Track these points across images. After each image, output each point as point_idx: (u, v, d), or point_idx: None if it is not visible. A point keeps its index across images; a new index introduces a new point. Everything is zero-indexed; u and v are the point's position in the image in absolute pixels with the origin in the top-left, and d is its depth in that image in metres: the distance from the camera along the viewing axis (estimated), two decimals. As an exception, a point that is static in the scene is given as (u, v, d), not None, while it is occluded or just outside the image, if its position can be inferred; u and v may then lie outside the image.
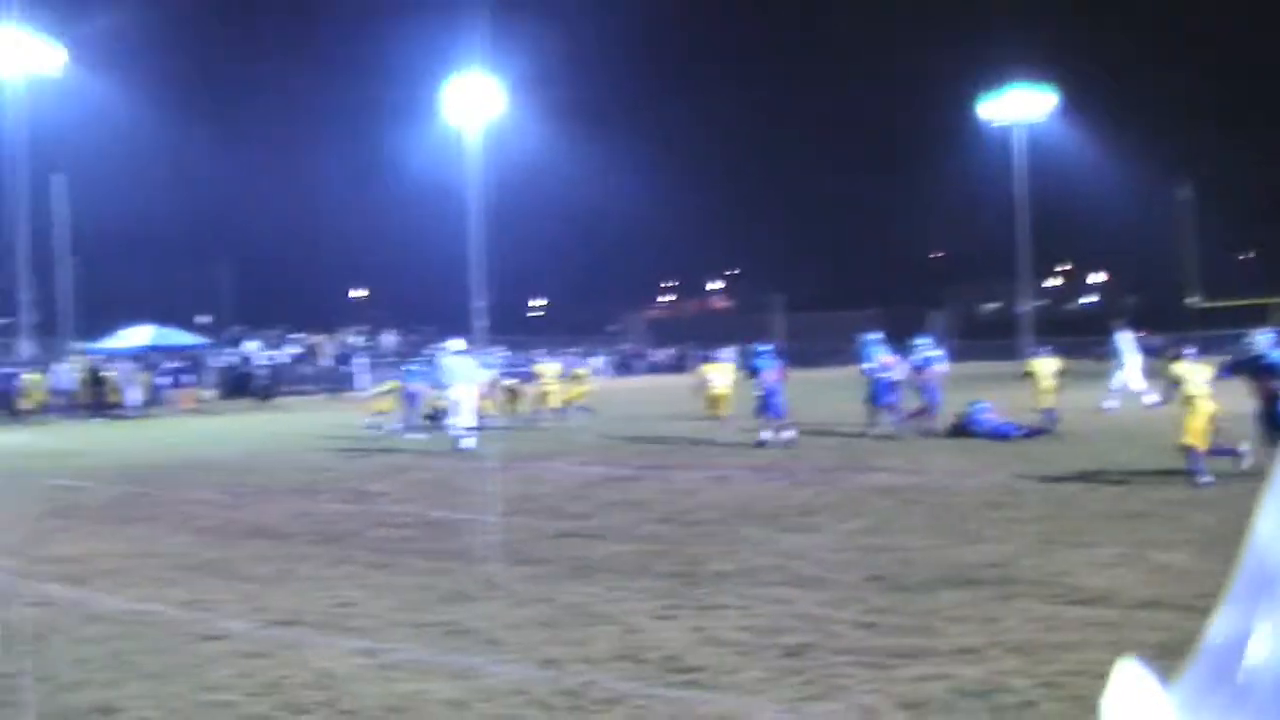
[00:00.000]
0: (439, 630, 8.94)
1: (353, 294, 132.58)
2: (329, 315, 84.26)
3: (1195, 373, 16.45)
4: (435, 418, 30.13)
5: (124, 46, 74.34)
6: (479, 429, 26.88)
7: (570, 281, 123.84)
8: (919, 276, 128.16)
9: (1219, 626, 1.67)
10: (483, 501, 16.66)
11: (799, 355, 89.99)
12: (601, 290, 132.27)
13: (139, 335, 54.72)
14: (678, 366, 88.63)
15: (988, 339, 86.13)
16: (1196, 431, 16.00)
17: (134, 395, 47.30)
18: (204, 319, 78.48)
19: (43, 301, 60.53)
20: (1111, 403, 29.83)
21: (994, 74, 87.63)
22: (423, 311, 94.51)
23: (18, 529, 15.31)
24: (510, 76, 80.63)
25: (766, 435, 24.00)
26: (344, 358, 63.91)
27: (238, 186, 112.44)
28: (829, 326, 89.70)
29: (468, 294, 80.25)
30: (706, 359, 31.16)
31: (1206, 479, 15.46)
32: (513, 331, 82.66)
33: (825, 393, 28.93)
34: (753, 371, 25.31)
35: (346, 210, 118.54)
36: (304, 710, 7.08)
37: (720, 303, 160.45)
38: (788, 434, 24.19)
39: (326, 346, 64.72)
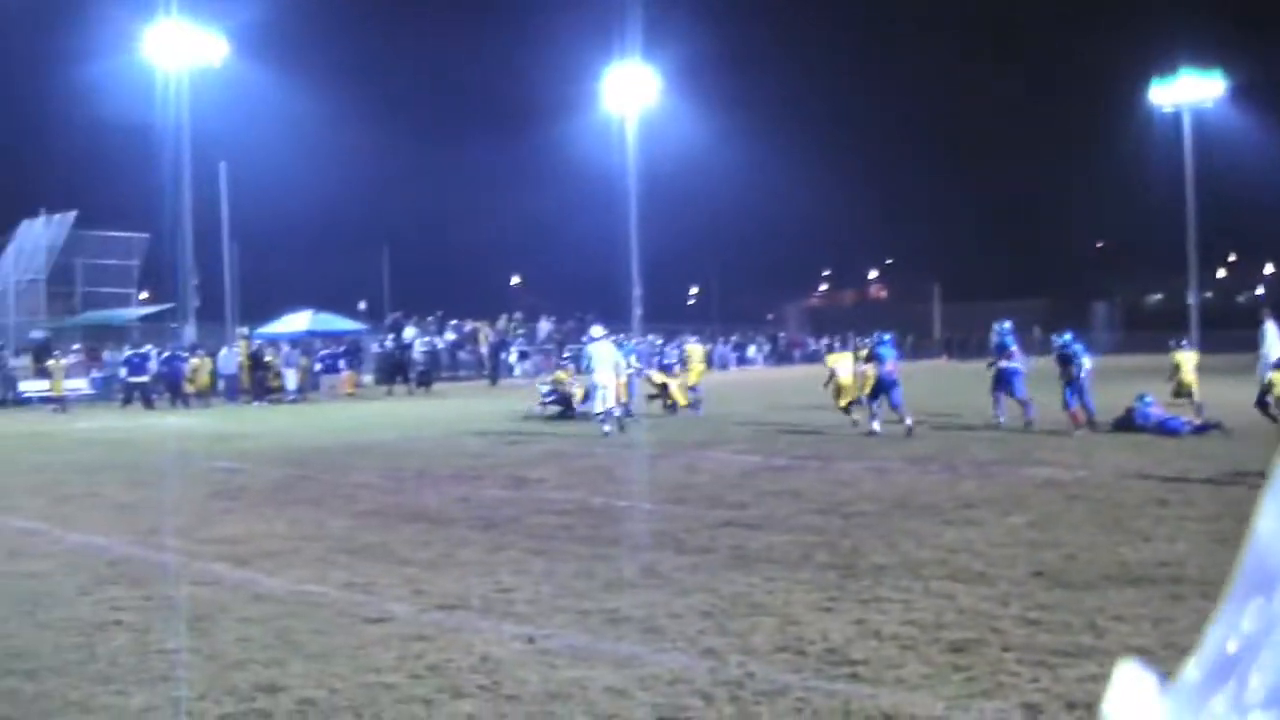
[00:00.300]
0: (599, 617, 8.97)
1: (512, 281, 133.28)
2: (486, 302, 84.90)
3: None
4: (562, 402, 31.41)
5: (284, 37, 75.79)
6: (627, 415, 27.70)
7: (727, 270, 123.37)
8: (1082, 266, 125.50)
9: (1218, 627, 1.64)
10: (641, 489, 16.75)
11: (957, 346, 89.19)
12: (759, 279, 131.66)
13: (299, 320, 55.65)
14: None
15: (1153, 331, 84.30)
16: None
17: (293, 380, 48.03)
18: (363, 305, 79.63)
19: (206, 286, 61.87)
20: None
21: (1163, 58, 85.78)
22: (579, 299, 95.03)
23: (185, 510, 15.67)
24: (668, 66, 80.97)
25: (876, 426, 24.51)
26: (501, 344, 64.40)
27: (397, 174, 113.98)
28: (988, 316, 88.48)
29: (625, 281, 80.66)
30: (830, 349, 31.59)
31: None
32: (669, 319, 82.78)
33: (982, 385, 28.50)
34: (875, 360, 25.61)
35: (504, 197, 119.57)
36: (465, 694, 7.14)
37: (878, 291, 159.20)
38: (909, 421, 24.42)
39: (486, 333, 65.13)
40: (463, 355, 65.60)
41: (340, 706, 6.99)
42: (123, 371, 45.70)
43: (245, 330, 52.60)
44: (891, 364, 25.15)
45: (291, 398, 46.83)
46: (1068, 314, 71.53)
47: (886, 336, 26.55)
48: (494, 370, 60.54)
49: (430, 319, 67.16)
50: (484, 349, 63.36)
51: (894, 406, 24.83)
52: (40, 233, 58.61)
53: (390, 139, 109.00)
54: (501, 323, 69.73)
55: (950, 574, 10.21)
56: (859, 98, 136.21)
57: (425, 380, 53.21)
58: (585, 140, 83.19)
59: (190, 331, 57.60)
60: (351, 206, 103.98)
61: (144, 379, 44.60)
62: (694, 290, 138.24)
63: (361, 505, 15.86)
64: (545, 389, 32.69)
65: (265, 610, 9.48)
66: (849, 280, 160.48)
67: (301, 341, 54.01)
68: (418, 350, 56.58)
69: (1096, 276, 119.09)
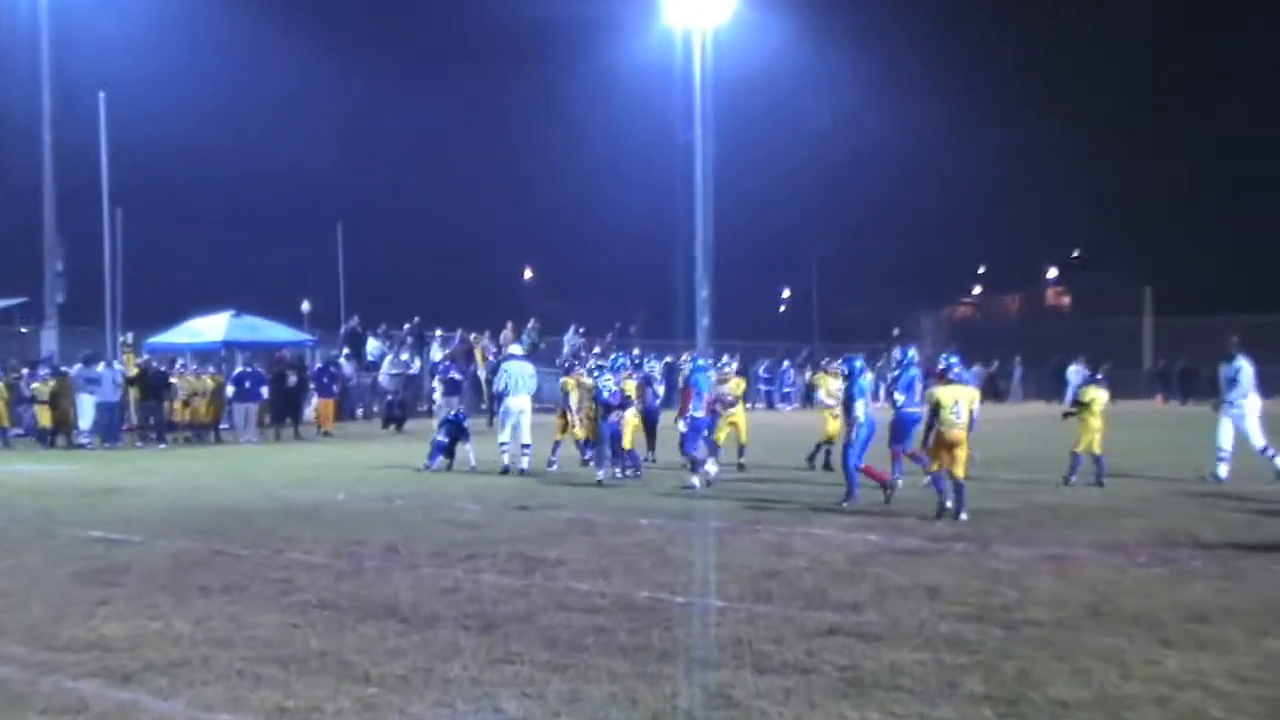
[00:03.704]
0: (648, 768, 8.93)
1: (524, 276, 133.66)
2: (485, 305, 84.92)
3: None
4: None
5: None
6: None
7: (833, 266, 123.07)
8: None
9: None
10: (708, 579, 16.67)
11: (1179, 379, 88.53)
12: (879, 279, 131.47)
13: (213, 326, 54.98)
14: (990, 388, 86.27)
15: None
16: None
17: (87, 417, 46.86)
18: (307, 307, 79.95)
19: (75, 276, 61.31)
20: None
21: None
22: (619, 302, 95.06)
23: (37, 600, 15.70)
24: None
25: (707, 472, 28.25)
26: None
27: (357, 123, 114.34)
28: (1218, 337, 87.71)
29: (686, 279, 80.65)
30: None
31: None
32: (749, 334, 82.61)
33: (1204, 437, 28.11)
34: (691, 389, 28.77)
35: (512, 160, 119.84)
36: None
37: (1058, 297, 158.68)
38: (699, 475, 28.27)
39: (485, 348, 64.80)
40: (454, 379, 65.52)
41: None
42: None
43: (129, 338, 52.14)
44: (710, 396, 28.90)
45: (84, 441, 46.43)
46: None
47: (704, 362, 31.45)
48: (495, 401, 60.28)
49: (405, 328, 67.18)
50: (481, 372, 63.20)
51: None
52: None
53: (347, 71, 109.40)
54: (506, 334, 69.69)
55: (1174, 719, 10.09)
56: (1026, 25, 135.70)
57: (397, 416, 53.33)
58: (629, 76, 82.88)
59: (51, 338, 57.53)
60: (292, 168, 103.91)
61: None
62: (786, 293, 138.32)
63: (301, 594, 15.88)
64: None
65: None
66: (1015, 281, 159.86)
67: (213, 356, 53.97)
68: (385, 373, 56.62)
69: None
